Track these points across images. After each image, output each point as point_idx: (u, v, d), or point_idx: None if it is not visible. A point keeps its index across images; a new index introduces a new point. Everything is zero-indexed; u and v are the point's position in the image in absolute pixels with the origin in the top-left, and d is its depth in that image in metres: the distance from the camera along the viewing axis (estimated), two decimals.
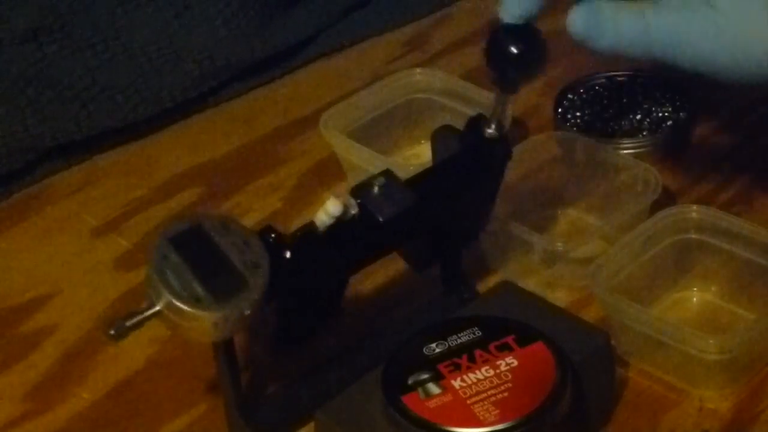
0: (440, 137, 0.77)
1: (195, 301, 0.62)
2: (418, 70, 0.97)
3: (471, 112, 0.93)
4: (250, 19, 1.05)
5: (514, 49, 0.70)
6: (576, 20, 0.70)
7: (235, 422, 0.73)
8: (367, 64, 1.08)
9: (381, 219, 0.71)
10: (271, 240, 0.67)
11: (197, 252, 0.64)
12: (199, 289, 0.63)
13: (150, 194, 0.95)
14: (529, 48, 0.70)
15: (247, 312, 0.64)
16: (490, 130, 0.75)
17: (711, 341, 0.73)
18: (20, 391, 0.79)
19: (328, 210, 0.69)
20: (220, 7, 1.04)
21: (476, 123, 0.76)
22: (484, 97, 0.93)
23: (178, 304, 0.62)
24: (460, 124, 0.79)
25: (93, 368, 0.80)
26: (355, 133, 0.92)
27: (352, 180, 0.92)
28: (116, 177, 0.97)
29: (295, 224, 0.89)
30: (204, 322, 0.64)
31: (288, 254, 0.68)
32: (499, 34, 0.71)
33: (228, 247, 0.65)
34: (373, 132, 0.93)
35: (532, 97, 1.01)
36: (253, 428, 0.73)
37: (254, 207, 0.93)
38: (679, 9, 0.70)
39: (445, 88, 0.95)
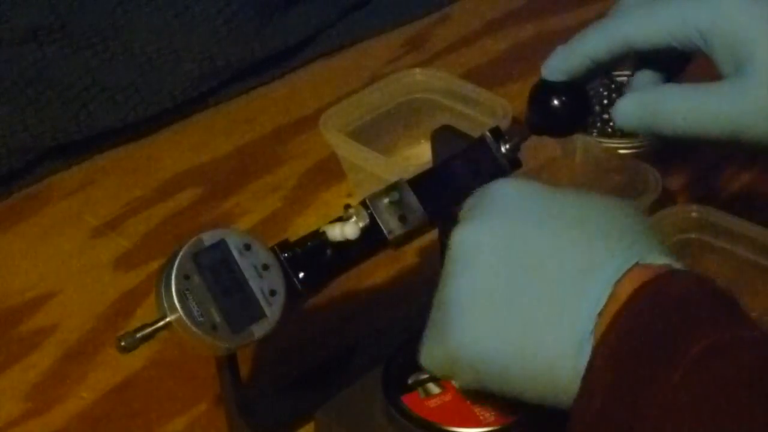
0: (440, 137, 0.76)
1: (212, 328, 0.63)
2: (418, 70, 0.97)
3: (471, 112, 0.93)
4: (250, 19, 1.05)
5: (556, 102, 0.70)
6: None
7: (235, 422, 0.73)
8: (367, 64, 1.08)
9: (388, 238, 0.70)
10: (285, 257, 0.67)
11: (218, 274, 0.65)
12: (216, 317, 0.64)
13: (150, 194, 0.95)
14: (569, 104, 0.70)
15: (260, 337, 0.65)
16: (505, 147, 0.73)
17: None
18: (20, 391, 0.79)
19: (346, 232, 0.68)
20: (220, 7, 1.04)
21: (494, 134, 0.74)
22: (484, 97, 0.93)
23: (195, 330, 0.63)
24: (460, 124, 0.79)
25: (93, 368, 0.80)
26: (355, 133, 0.92)
27: (353, 180, 0.92)
28: (116, 177, 0.97)
29: (296, 224, 0.90)
30: (217, 348, 0.65)
31: (301, 275, 0.68)
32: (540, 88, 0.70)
33: (248, 269, 0.65)
34: (373, 132, 0.93)
35: None
36: (253, 428, 0.73)
37: (254, 207, 0.93)
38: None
39: (444, 88, 0.95)
